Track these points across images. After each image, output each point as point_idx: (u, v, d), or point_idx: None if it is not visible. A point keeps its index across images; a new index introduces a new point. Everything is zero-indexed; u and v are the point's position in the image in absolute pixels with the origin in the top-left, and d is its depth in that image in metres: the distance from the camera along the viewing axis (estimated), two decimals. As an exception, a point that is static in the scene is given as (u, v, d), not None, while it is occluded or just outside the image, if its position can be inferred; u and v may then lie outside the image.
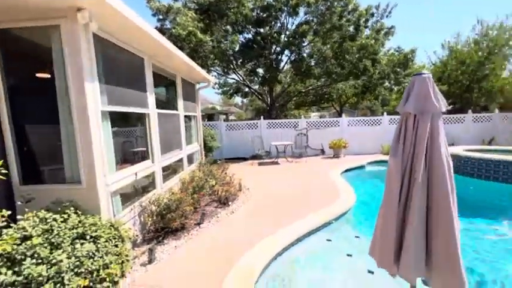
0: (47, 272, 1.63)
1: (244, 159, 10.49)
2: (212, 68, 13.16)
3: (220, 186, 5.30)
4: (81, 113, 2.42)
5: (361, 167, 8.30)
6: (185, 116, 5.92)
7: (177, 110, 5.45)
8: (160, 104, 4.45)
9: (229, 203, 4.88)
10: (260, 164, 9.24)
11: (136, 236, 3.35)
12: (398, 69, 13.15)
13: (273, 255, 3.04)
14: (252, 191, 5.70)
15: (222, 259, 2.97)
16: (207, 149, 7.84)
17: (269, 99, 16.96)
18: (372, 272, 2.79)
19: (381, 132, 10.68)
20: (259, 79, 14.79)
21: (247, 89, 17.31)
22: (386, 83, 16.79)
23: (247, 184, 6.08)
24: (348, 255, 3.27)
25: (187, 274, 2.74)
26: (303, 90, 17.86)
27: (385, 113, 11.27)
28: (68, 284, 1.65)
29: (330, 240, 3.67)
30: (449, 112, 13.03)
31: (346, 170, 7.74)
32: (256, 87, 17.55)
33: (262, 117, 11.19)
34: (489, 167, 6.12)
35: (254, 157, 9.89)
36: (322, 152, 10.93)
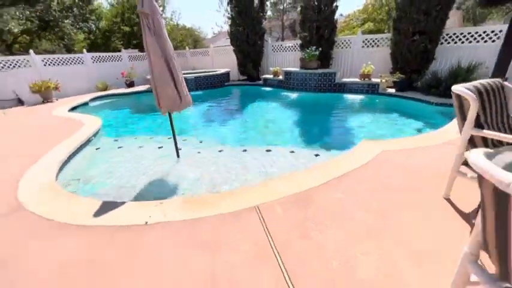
0: None
1: None
2: None
3: None
4: None
5: (85, 104, 8.19)
6: None
7: None
8: None
9: None
10: None
11: None
12: (81, 3, 12.34)
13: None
14: None
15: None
16: None
17: None
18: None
19: (90, 72, 10.55)
20: None
21: None
22: (71, 19, 15.17)
23: None
24: (119, 147, 4.24)
25: None
26: None
27: (84, 50, 10.80)
28: None
29: (98, 148, 4.24)
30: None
31: (72, 109, 7.34)
32: None
33: None
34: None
35: None
36: (20, 101, 8.59)
